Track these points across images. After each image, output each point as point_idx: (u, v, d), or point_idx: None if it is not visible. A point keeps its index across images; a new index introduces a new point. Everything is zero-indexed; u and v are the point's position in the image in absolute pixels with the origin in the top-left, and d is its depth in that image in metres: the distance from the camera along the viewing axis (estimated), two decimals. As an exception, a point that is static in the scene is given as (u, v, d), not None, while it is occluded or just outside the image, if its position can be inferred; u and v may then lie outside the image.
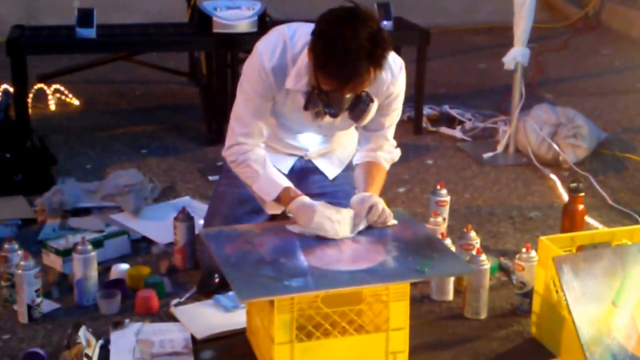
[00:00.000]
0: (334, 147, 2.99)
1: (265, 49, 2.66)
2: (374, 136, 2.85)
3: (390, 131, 2.88)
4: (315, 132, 2.90)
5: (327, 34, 2.44)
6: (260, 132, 2.78)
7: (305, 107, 2.59)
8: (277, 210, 2.77)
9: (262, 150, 2.81)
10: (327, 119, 2.66)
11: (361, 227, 2.62)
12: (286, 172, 2.93)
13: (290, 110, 2.75)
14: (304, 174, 3.00)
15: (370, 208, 2.63)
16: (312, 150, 2.98)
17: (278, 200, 2.72)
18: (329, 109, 2.57)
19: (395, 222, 2.68)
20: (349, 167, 3.01)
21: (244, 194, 2.91)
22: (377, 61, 2.47)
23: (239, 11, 4.39)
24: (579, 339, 2.40)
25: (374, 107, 2.63)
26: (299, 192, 2.72)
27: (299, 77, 2.62)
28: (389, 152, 2.89)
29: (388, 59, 2.59)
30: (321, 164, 3.01)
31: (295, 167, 2.99)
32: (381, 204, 2.65)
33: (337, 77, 2.46)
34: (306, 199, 2.67)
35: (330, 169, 3.02)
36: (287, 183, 2.75)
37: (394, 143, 2.91)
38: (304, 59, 2.58)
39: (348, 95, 2.53)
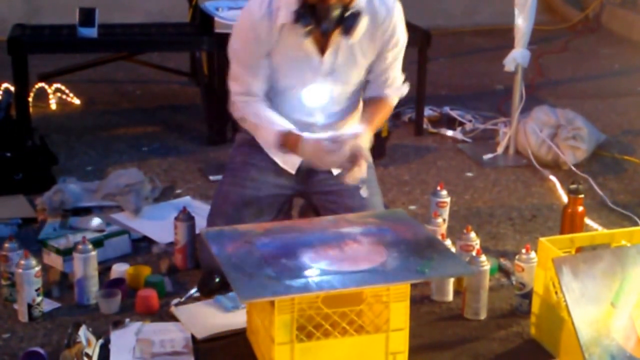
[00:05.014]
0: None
1: (253, 3, 2.75)
2: (382, 73, 2.90)
3: (397, 65, 2.93)
4: (321, 81, 2.85)
5: None
6: (259, 88, 2.83)
7: (296, 21, 2.66)
8: (288, 153, 2.82)
9: (261, 100, 2.84)
10: (328, 57, 2.75)
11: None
12: (293, 172, 2.94)
13: (288, 59, 2.78)
14: (309, 172, 2.99)
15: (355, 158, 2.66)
16: (320, 123, 2.92)
17: (284, 146, 2.77)
18: (319, 24, 2.65)
19: (369, 160, 2.72)
20: None
21: (247, 195, 2.91)
22: None
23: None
24: (578, 340, 2.41)
25: (363, 21, 2.72)
26: (297, 133, 2.75)
27: (288, 7, 2.68)
28: (397, 88, 2.96)
29: None
30: None
31: (301, 166, 2.98)
32: (364, 155, 2.67)
33: None
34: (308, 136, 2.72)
35: None
36: (284, 127, 2.77)
37: (402, 77, 2.97)
38: None
39: (334, 3, 2.62)
